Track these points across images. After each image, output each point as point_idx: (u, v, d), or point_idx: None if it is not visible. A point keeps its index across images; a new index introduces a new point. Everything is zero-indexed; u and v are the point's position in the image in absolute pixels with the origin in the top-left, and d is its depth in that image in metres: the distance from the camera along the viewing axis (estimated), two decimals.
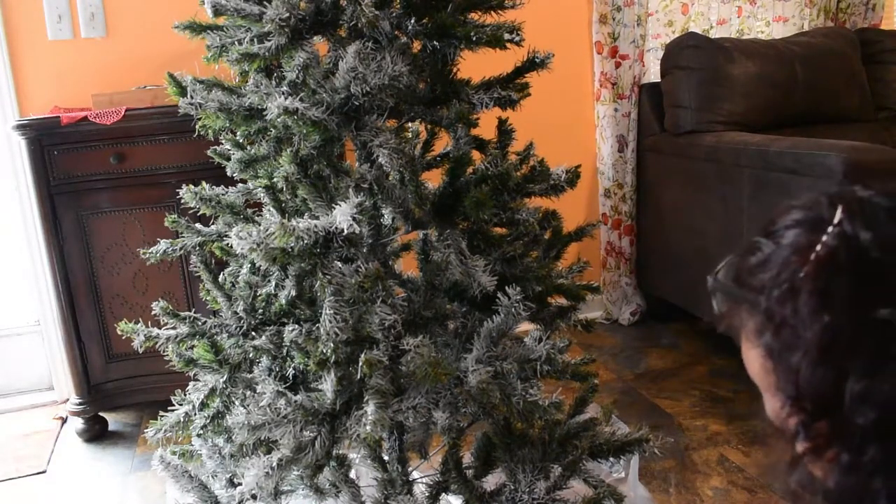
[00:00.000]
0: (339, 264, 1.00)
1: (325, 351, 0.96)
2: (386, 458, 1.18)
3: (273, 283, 1.17)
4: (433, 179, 1.15)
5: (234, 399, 1.15)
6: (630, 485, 1.50)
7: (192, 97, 1.15)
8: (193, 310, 1.29)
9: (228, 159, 1.21)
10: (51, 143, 1.97)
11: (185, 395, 1.22)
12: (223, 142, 1.23)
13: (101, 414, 2.18)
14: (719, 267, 0.63)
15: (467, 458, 1.19)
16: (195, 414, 1.19)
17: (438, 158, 1.29)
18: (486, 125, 1.19)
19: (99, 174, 2.01)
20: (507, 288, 1.01)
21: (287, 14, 1.01)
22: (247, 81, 1.13)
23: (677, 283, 2.59)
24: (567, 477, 1.15)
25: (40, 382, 2.47)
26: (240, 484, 1.07)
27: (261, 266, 1.14)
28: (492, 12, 1.12)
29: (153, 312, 1.23)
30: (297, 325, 1.06)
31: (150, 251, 1.26)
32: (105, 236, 2.06)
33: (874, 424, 0.51)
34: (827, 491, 0.55)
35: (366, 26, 1.01)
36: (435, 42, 1.07)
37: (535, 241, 1.18)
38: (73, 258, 2.04)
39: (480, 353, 1.00)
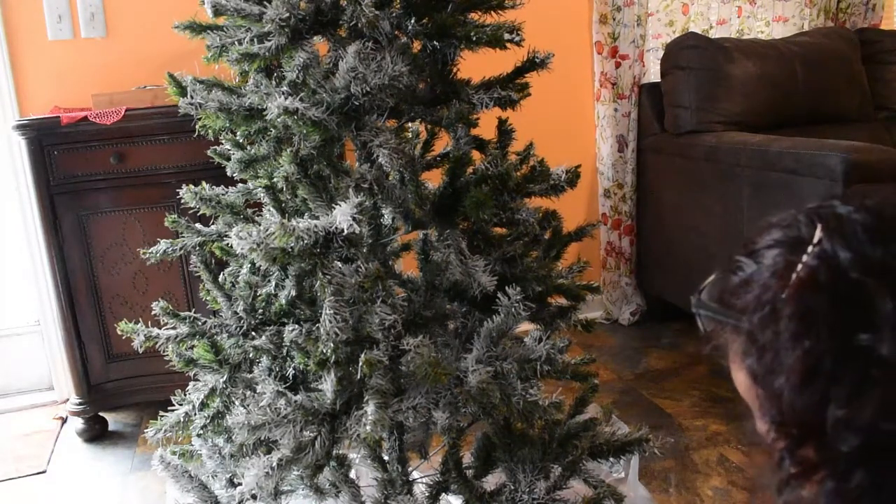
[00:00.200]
0: (339, 264, 1.00)
1: (325, 351, 0.96)
2: (386, 458, 1.18)
3: (273, 283, 1.17)
4: (433, 179, 1.15)
5: (234, 399, 1.15)
6: (630, 485, 1.50)
7: (192, 97, 1.15)
8: (193, 310, 1.29)
9: (228, 159, 1.21)
10: (51, 143, 1.97)
11: (185, 395, 1.22)
12: (223, 142, 1.23)
13: (101, 414, 2.18)
14: (702, 286, 0.62)
15: (467, 458, 1.19)
16: (195, 414, 1.19)
17: (438, 158, 1.29)
18: (486, 125, 1.19)
19: (99, 174, 2.01)
20: (507, 288, 1.01)
21: (287, 14, 1.01)
22: (247, 81, 1.13)
23: (677, 283, 2.59)
24: (567, 477, 1.15)
25: (40, 382, 2.47)
26: (240, 484, 1.07)
27: (261, 266, 1.14)
28: (492, 12, 1.12)
29: (153, 312, 1.23)
30: (297, 325, 1.06)
31: (150, 251, 1.26)
32: (105, 236, 2.06)
33: (858, 450, 0.50)
34: None
35: (366, 26, 1.01)
36: (435, 42, 1.07)
37: (535, 241, 1.19)
38: (73, 258, 2.04)
39: (480, 353, 1.00)
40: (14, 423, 2.29)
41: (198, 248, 1.23)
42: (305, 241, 0.92)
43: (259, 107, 1.11)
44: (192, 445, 1.28)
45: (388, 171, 1.03)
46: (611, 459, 1.20)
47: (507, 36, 1.07)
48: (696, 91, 2.45)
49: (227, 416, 1.14)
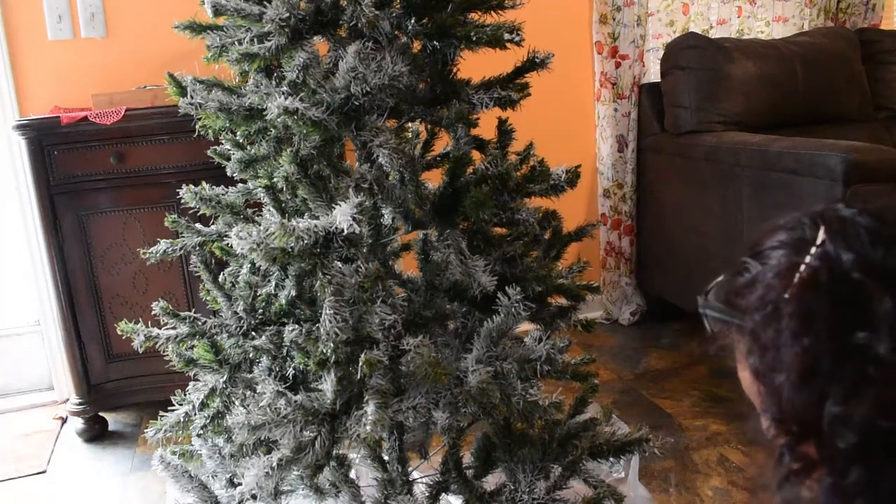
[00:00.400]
0: (339, 264, 1.00)
1: (325, 351, 0.96)
2: (386, 458, 1.18)
3: (273, 283, 1.17)
4: (433, 179, 1.15)
5: (234, 399, 1.15)
6: (630, 485, 1.50)
7: (192, 97, 1.15)
8: (193, 310, 1.29)
9: (228, 159, 1.21)
10: (51, 143, 1.97)
11: (185, 395, 1.22)
12: (223, 142, 1.23)
13: (101, 414, 2.18)
14: (709, 287, 0.64)
15: (467, 458, 1.19)
16: (195, 414, 1.19)
17: (438, 158, 1.29)
18: (486, 125, 1.19)
19: (99, 174, 2.01)
20: (507, 288, 1.01)
21: (287, 14, 1.01)
22: (247, 81, 1.13)
23: (677, 283, 2.59)
24: (567, 477, 1.15)
25: (40, 382, 2.47)
26: (240, 484, 1.07)
27: (261, 266, 1.14)
28: (492, 12, 1.12)
29: (153, 312, 1.23)
30: (297, 325, 1.06)
31: (150, 251, 1.26)
32: (105, 236, 2.06)
33: (856, 447, 0.51)
34: None
35: (366, 26, 1.01)
36: (435, 42, 1.07)
37: (535, 241, 1.19)
38: (73, 258, 2.04)
39: (480, 353, 1.00)
40: (14, 423, 2.29)
41: (198, 248, 1.23)
42: (305, 241, 0.92)
43: (259, 107, 1.11)
44: (192, 445, 1.28)
45: (388, 171, 1.03)
46: (611, 459, 1.20)
47: (507, 36, 1.07)
48: (696, 91, 2.45)
49: (227, 416, 1.14)
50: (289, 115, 0.98)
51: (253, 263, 1.17)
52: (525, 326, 1.10)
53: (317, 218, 0.97)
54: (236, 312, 1.18)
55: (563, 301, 1.21)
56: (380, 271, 1.00)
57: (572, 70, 2.73)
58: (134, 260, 2.06)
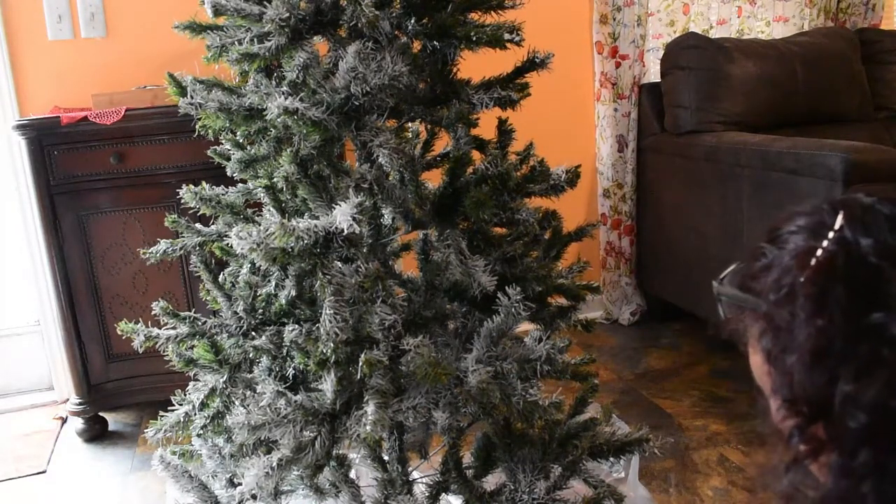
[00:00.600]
0: (339, 264, 1.00)
1: (325, 351, 0.96)
2: (386, 458, 1.18)
3: (273, 283, 1.17)
4: (433, 179, 1.15)
5: (234, 399, 1.15)
6: (630, 485, 1.50)
7: (192, 97, 1.15)
8: (193, 310, 1.29)
9: (228, 159, 1.21)
10: (51, 143, 1.97)
11: (185, 395, 1.22)
12: (223, 142, 1.23)
13: (101, 414, 2.18)
14: (725, 273, 0.65)
15: (467, 458, 1.19)
16: (195, 414, 1.19)
17: (438, 158, 1.29)
18: (486, 125, 1.19)
19: (99, 174, 2.01)
20: (507, 288, 1.01)
21: (287, 14, 1.01)
22: (247, 81, 1.13)
23: (677, 283, 2.59)
24: (567, 477, 1.15)
25: (40, 382, 2.47)
26: (240, 484, 1.07)
27: (261, 266, 1.14)
28: (492, 12, 1.12)
29: (153, 312, 1.23)
30: (297, 325, 1.06)
31: (150, 251, 1.26)
32: (105, 236, 2.06)
33: (866, 428, 0.51)
34: (823, 494, 0.55)
35: (366, 26, 1.01)
36: (435, 42, 1.07)
37: (535, 241, 1.18)
38: (73, 258, 2.04)
39: (480, 353, 1.00)
40: (14, 423, 2.29)
41: (198, 248, 1.23)
42: (305, 241, 0.92)
43: (259, 107, 1.11)
44: (192, 445, 1.28)
45: (388, 171, 1.03)
46: (611, 459, 1.20)
47: (507, 36, 1.07)
48: (696, 91, 2.45)
49: (227, 416, 1.14)
50: (289, 115, 0.98)
51: (253, 263, 1.17)
52: (525, 326, 1.10)
53: (317, 218, 0.97)
54: (236, 312, 1.18)
55: (563, 301, 1.21)
56: (380, 271, 1.00)
57: (572, 70, 2.73)
58: (134, 260, 2.06)
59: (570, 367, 1.15)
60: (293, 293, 1.12)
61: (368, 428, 0.94)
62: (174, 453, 1.26)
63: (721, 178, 2.24)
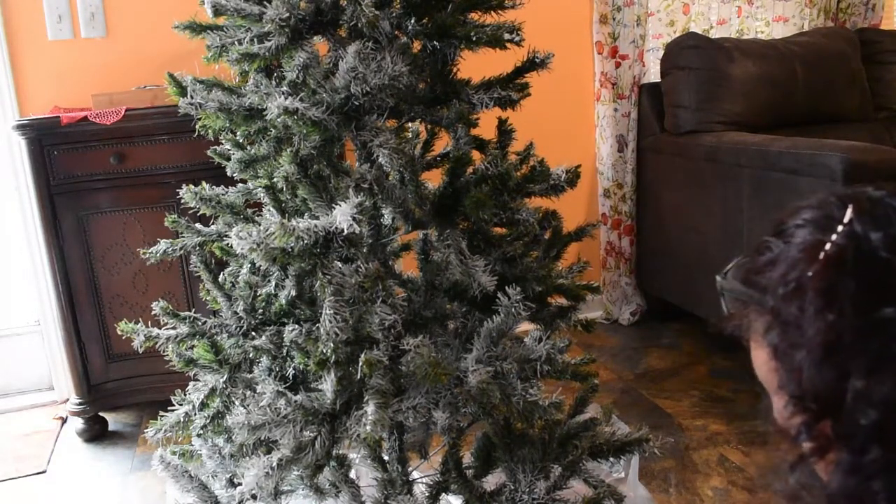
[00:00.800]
0: (339, 264, 1.00)
1: (325, 351, 0.96)
2: (386, 458, 1.18)
3: (273, 283, 1.17)
4: (433, 179, 1.15)
5: (234, 399, 1.15)
6: (630, 485, 1.50)
7: (192, 97, 1.15)
8: (193, 310, 1.29)
9: (228, 159, 1.21)
10: (51, 143, 1.97)
11: (185, 395, 1.22)
12: (223, 142, 1.23)
13: (101, 414, 2.18)
14: (728, 267, 0.64)
15: (467, 458, 1.19)
16: (195, 414, 1.19)
17: (438, 158, 1.29)
18: (486, 125, 1.19)
19: (99, 174, 2.01)
20: (507, 288, 1.01)
21: (287, 14, 1.01)
22: (247, 81, 1.13)
23: (677, 283, 2.59)
24: (567, 477, 1.15)
25: (40, 382, 2.47)
26: (240, 484, 1.07)
27: (261, 266, 1.14)
28: (492, 12, 1.12)
29: (153, 312, 1.23)
30: (297, 325, 1.06)
31: (150, 251, 1.26)
32: (105, 236, 2.06)
33: (876, 425, 0.51)
34: (829, 493, 0.54)
35: (366, 26, 1.01)
36: (435, 42, 1.07)
37: (535, 241, 1.18)
38: (73, 258, 2.04)
39: (480, 353, 1.00)
40: (14, 423, 2.29)
41: (198, 248, 1.23)
42: (305, 241, 0.92)
43: (259, 107, 1.11)
44: (192, 445, 1.28)
45: (388, 171, 1.03)
46: (611, 459, 1.20)
47: (507, 36, 1.07)
48: (696, 91, 2.45)
49: (227, 416, 1.14)
50: (289, 115, 0.98)
51: (253, 263, 1.17)
52: (525, 326, 1.10)
53: (317, 218, 0.97)
54: (236, 312, 1.18)
55: (563, 301, 1.21)
56: (380, 271, 1.00)
57: (572, 70, 2.73)
58: (134, 260, 2.06)
59: (570, 367, 1.15)
60: (293, 293, 1.12)
61: (368, 428, 0.94)
62: (174, 453, 1.26)
63: (721, 178, 2.24)
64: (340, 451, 1.13)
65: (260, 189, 1.15)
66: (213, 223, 1.25)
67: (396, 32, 1.06)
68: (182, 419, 1.20)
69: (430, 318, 1.08)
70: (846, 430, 0.52)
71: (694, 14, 2.85)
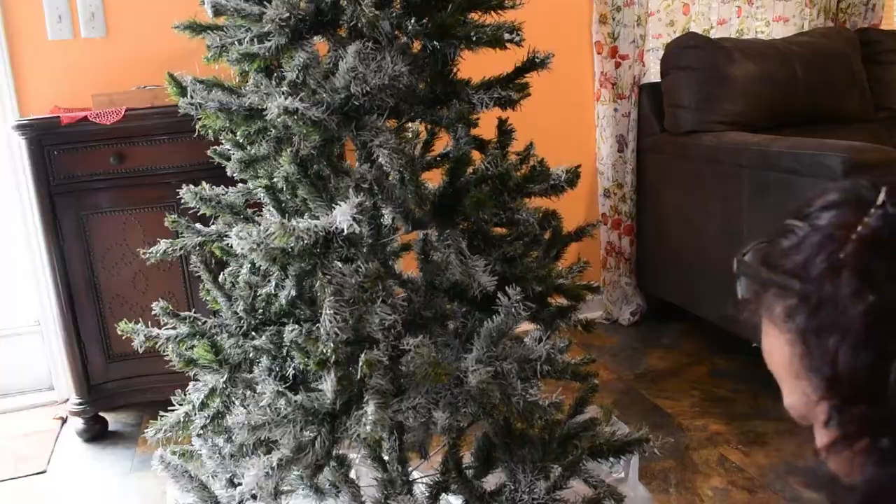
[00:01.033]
0: (339, 264, 1.00)
1: (325, 351, 0.96)
2: (386, 458, 1.18)
3: (273, 283, 1.17)
4: (433, 179, 1.15)
5: (234, 399, 1.15)
6: (630, 485, 1.50)
7: (192, 97, 1.15)
8: (193, 310, 1.29)
9: (228, 159, 1.20)
10: (51, 143, 1.97)
11: (185, 395, 1.22)
12: (223, 142, 1.23)
13: (101, 414, 2.18)
14: (745, 250, 0.62)
15: (467, 458, 1.19)
16: (195, 414, 1.19)
17: (438, 158, 1.29)
18: (486, 125, 1.19)
19: (99, 174, 2.01)
20: (507, 288, 1.01)
21: (287, 14, 1.01)
22: (247, 81, 1.13)
23: (677, 283, 2.59)
24: (567, 477, 1.15)
25: (40, 382, 2.47)
26: (240, 484, 1.07)
27: (261, 266, 1.14)
28: (492, 12, 1.12)
29: (153, 312, 1.23)
30: (297, 325, 1.06)
31: (150, 251, 1.26)
32: (105, 236, 2.06)
33: None
34: (862, 483, 0.53)
35: (366, 26, 1.01)
36: (435, 42, 1.07)
37: (535, 241, 1.18)
38: (73, 258, 2.04)
39: (480, 353, 1.00)
40: (14, 423, 2.29)
41: (198, 248, 1.23)
42: (305, 241, 0.92)
43: (259, 107, 1.11)
44: (192, 445, 1.28)
45: (388, 171, 1.03)
46: (611, 459, 1.20)
47: (507, 36, 1.07)
48: (696, 91, 2.45)
49: (227, 416, 1.14)
50: (289, 115, 0.98)
51: (253, 263, 1.17)
52: (525, 326, 1.10)
53: (317, 218, 0.97)
54: (236, 312, 1.18)
55: (563, 301, 1.21)
56: (380, 271, 1.00)
57: (572, 70, 2.73)
58: (134, 260, 2.06)
59: (570, 367, 1.15)
60: (293, 293, 1.12)
61: (368, 428, 0.94)
62: (174, 453, 1.26)
63: (721, 178, 2.24)
64: (340, 451, 1.13)
65: (260, 189, 1.15)
66: (213, 223, 1.25)
67: (396, 32, 1.06)
68: (182, 419, 1.20)
69: (430, 318, 1.08)
70: (885, 416, 0.51)
71: (694, 14, 2.85)
